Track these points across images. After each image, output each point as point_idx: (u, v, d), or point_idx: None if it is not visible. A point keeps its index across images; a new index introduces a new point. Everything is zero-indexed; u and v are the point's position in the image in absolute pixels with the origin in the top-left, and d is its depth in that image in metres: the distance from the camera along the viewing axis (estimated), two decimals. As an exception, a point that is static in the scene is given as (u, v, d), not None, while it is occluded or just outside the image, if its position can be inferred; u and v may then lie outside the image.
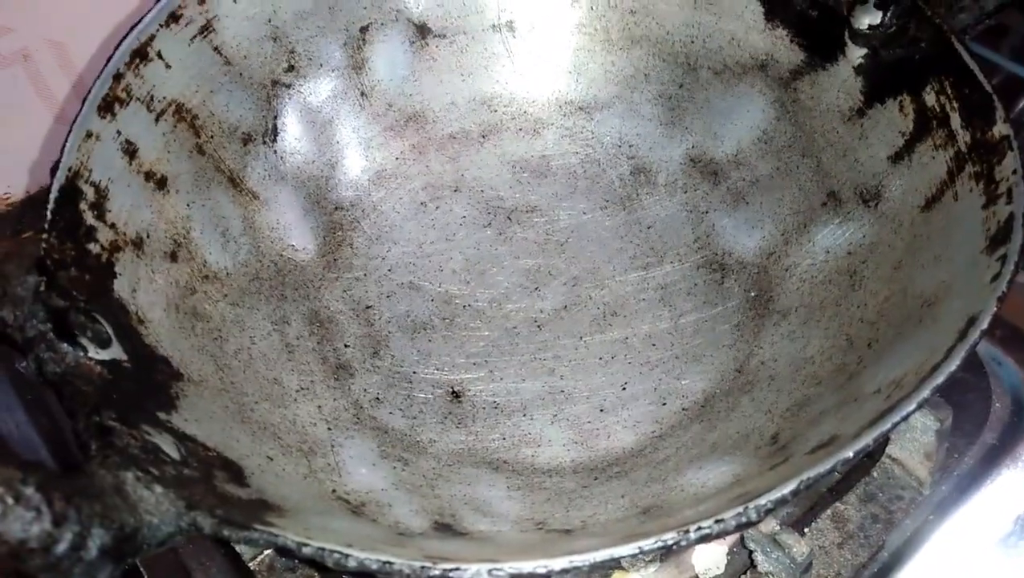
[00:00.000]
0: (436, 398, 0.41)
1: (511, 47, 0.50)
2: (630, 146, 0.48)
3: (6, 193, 0.66)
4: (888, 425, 0.27)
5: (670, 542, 0.25)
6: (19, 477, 0.23)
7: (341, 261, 0.45)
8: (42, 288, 0.32)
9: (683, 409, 0.39)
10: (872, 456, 0.41)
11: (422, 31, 0.48)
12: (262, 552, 0.39)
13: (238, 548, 0.39)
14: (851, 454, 0.26)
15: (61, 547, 0.23)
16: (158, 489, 0.26)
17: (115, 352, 0.32)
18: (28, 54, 0.60)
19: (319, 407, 0.39)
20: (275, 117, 0.45)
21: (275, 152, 0.45)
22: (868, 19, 0.41)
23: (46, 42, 0.60)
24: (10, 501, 0.23)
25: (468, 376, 0.42)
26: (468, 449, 0.39)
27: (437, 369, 0.42)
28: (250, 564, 0.39)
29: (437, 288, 0.45)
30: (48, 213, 0.34)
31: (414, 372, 0.42)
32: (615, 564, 0.36)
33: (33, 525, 0.23)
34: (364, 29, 0.47)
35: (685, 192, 0.46)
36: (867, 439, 0.27)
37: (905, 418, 0.27)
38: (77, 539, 0.24)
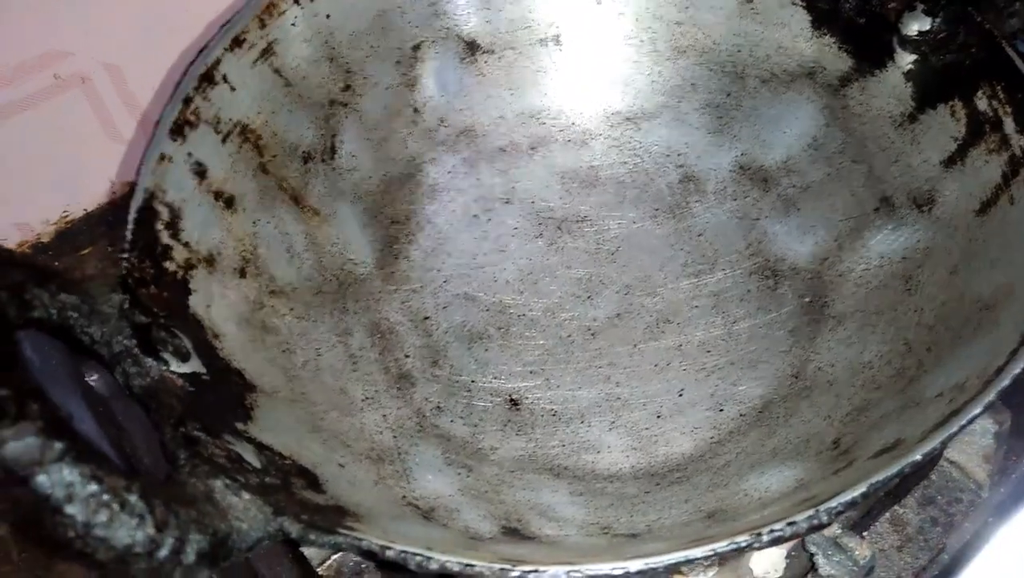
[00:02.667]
0: (495, 406, 0.42)
1: (558, 61, 0.51)
2: (678, 155, 0.49)
3: (65, 212, 0.68)
4: (955, 428, 0.27)
5: (743, 544, 0.26)
6: (124, 485, 0.24)
7: (398, 274, 0.46)
8: (126, 305, 0.33)
9: (741, 415, 0.40)
10: (928, 461, 0.41)
11: (472, 48, 0.50)
12: (330, 557, 0.40)
13: (306, 553, 0.40)
14: (919, 457, 0.27)
15: (163, 552, 0.25)
16: (245, 496, 0.28)
17: (195, 365, 0.34)
18: (86, 77, 0.62)
19: (384, 416, 0.40)
20: (333, 135, 0.46)
21: (333, 169, 0.46)
22: (917, 25, 0.42)
23: (103, 65, 0.62)
24: (116, 508, 0.24)
25: (525, 384, 0.43)
26: (529, 456, 0.40)
27: (495, 378, 0.43)
28: (319, 569, 0.40)
29: (492, 298, 0.46)
30: (128, 233, 0.35)
31: (473, 381, 0.43)
32: (675, 568, 0.37)
33: (138, 531, 0.24)
34: (416, 47, 0.48)
35: (735, 199, 0.47)
36: (935, 441, 0.27)
37: (972, 421, 0.28)
38: (177, 544, 0.25)
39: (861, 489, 0.26)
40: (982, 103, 0.39)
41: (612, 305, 0.45)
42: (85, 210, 0.69)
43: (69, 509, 0.23)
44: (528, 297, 0.46)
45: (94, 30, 0.60)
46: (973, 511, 0.40)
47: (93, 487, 0.24)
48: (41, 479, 0.23)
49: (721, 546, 0.26)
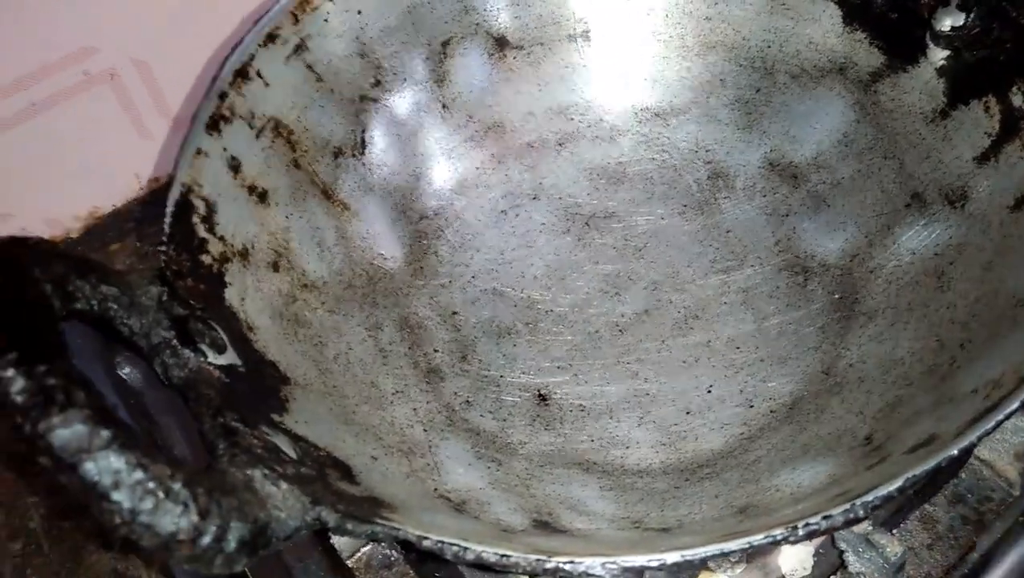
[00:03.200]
0: (524, 401, 0.42)
1: (587, 56, 0.51)
2: (707, 151, 0.49)
3: (94, 208, 0.69)
4: (992, 423, 0.27)
5: (779, 537, 0.26)
6: (168, 473, 0.25)
7: (427, 269, 0.47)
8: (164, 297, 0.33)
9: (771, 411, 0.40)
10: (959, 458, 0.41)
11: (500, 43, 0.50)
12: (360, 549, 0.40)
13: (337, 546, 0.40)
14: (955, 452, 0.27)
15: (206, 539, 0.25)
16: (284, 485, 0.28)
17: (231, 357, 0.34)
18: (115, 73, 0.63)
19: (414, 410, 0.40)
20: (363, 131, 0.47)
21: (363, 164, 0.46)
22: (950, 21, 0.41)
23: (132, 61, 0.63)
24: (161, 495, 0.24)
25: (553, 380, 0.43)
26: (558, 450, 0.40)
27: (523, 373, 0.43)
28: (348, 561, 0.40)
29: (520, 294, 0.46)
30: (165, 226, 0.36)
31: (501, 376, 0.43)
32: (702, 565, 0.37)
33: (182, 518, 0.24)
34: (445, 43, 0.48)
35: (764, 196, 0.47)
36: (971, 437, 0.27)
37: (1009, 416, 0.27)
38: (219, 532, 0.25)
39: (898, 483, 0.26)
40: (1017, 99, 0.38)
41: (640, 301, 0.45)
42: (113, 206, 0.70)
43: (116, 496, 0.24)
44: (556, 293, 0.46)
45: (123, 26, 0.61)
46: (1004, 510, 0.40)
47: (139, 474, 0.24)
48: (88, 466, 0.24)
49: (757, 539, 0.26)
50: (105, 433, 0.24)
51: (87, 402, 0.24)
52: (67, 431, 0.23)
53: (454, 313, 0.45)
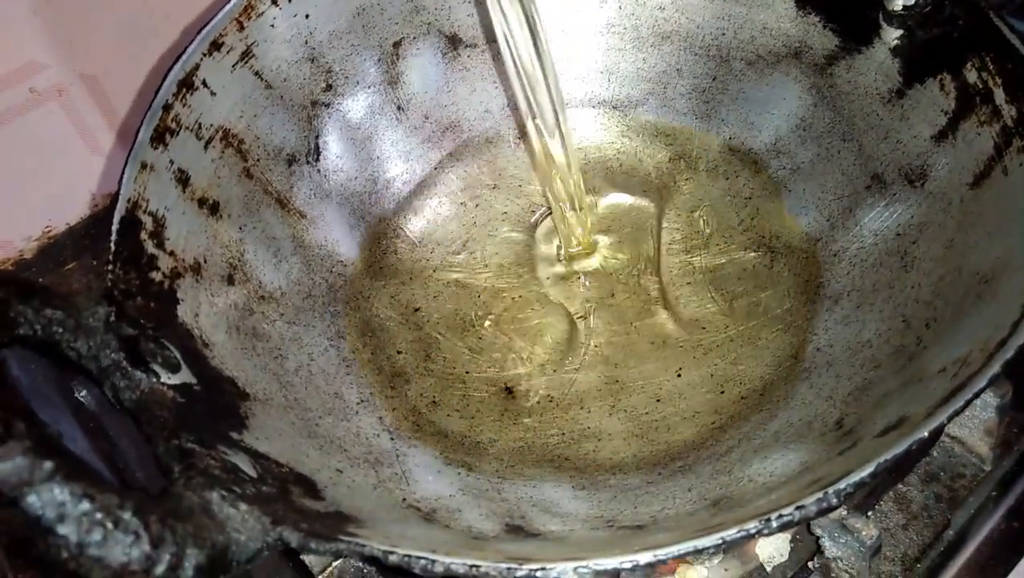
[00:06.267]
0: (491, 396, 0.41)
1: (542, 51, 0.50)
2: (667, 136, 0.49)
3: (48, 226, 0.67)
4: (961, 403, 0.27)
5: (753, 531, 0.25)
6: (116, 502, 0.24)
7: (387, 268, 0.46)
8: (112, 318, 0.32)
9: (742, 397, 0.39)
10: (930, 438, 0.41)
11: (453, 42, 0.49)
12: (331, 564, 0.40)
13: (307, 561, 0.40)
14: (926, 434, 0.27)
15: (160, 568, 0.24)
16: (243, 507, 0.27)
17: (185, 376, 0.33)
18: (63, 89, 0.61)
19: (380, 418, 0.39)
20: (316, 137, 0.46)
21: (319, 171, 0.45)
22: (902, 0, 0.41)
23: (80, 76, 0.61)
24: (110, 526, 0.23)
25: (520, 371, 0.42)
26: (528, 446, 0.39)
27: (489, 366, 0.43)
28: (319, 576, 0.39)
29: (483, 284, 0.46)
30: (111, 244, 0.35)
31: (467, 372, 0.42)
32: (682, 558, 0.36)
33: (133, 548, 0.23)
34: (397, 44, 0.48)
35: (727, 179, 0.47)
36: (941, 417, 0.27)
37: (977, 395, 0.27)
38: (174, 559, 0.24)
39: (870, 469, 0.26)
40: (971, 75, 0.38)
41: (606, 285, 0.45)
42: (67, 224, 0.68)
43: (61, 529, 0.23)
44: (519, 281, 0.46)
45: (69, 41, 0.59)
46: (977, 486, 0.40)
47: (85, 506, 0.23)
48: (31, 500, 0.23)
49: (730, 534, 0.25)
50: (48, 464, 0.23)
51: (28, 433, 0.23)
52: (7, 465, 0.22)
53: (416, 310, 0.45)
